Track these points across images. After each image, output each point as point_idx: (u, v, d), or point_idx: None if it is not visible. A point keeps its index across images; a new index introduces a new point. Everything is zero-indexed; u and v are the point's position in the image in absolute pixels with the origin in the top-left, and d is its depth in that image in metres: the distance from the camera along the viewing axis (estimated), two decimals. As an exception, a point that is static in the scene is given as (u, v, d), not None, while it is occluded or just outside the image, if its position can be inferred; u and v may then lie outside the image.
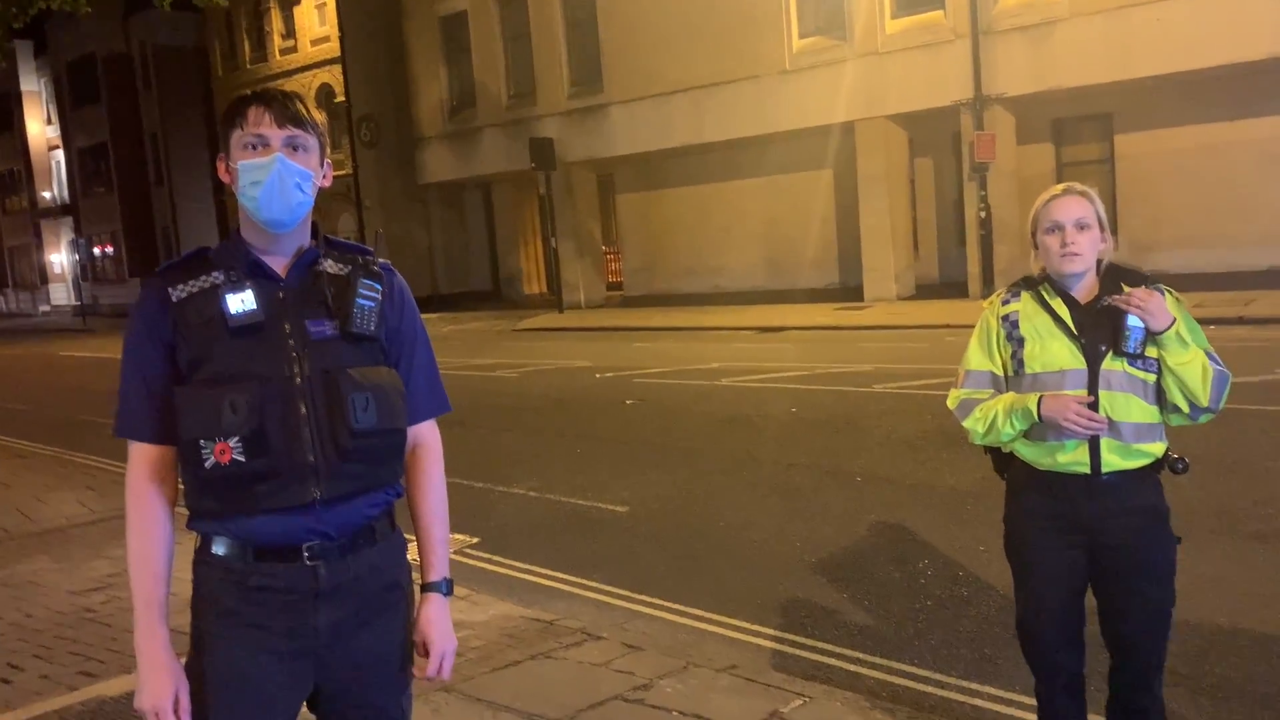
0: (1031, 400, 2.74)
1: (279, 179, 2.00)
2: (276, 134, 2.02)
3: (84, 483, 8.88)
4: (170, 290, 2.03)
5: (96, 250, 46.15)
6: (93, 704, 4.18)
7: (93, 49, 43.41)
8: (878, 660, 4.43)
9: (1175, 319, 2.69)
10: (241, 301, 2.00)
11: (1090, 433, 2.69)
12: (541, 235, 28.15)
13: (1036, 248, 2.85)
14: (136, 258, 43.01)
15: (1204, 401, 2.72)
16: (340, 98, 30.13)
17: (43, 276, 52.53)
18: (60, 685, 4.41)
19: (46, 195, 50.86)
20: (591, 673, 4.29)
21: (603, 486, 7.73)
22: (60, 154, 48.83)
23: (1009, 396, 2.82)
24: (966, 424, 2.89)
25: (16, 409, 15.12)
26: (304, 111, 2.06)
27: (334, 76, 30.67)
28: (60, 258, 51.17)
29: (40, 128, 50.59)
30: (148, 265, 41.84)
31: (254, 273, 2.06)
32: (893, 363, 12.59)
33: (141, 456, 2.06)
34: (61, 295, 50.43)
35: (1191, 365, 2.69)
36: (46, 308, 51.40)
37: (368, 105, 30.05)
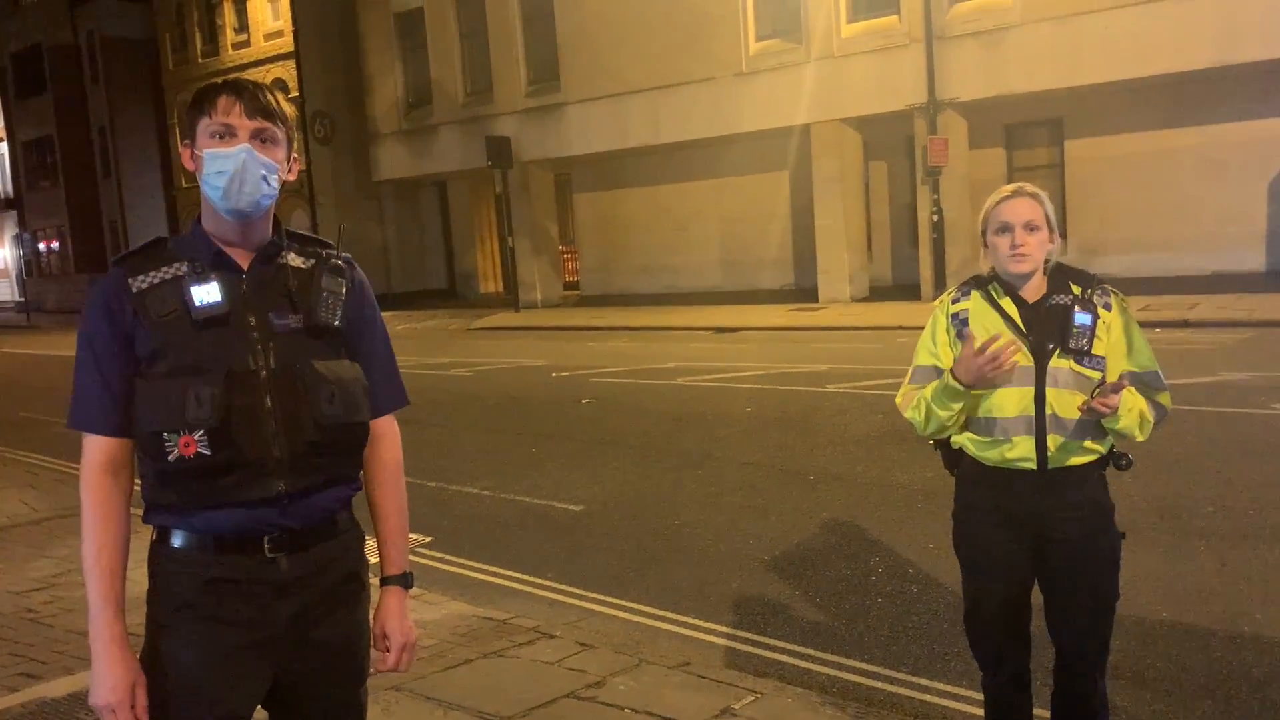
0: (946, 376, 2.77)
1: (244, 170, 1.98)
2: (245, 125, 2.00)
3: (26, 481, 8.69)
4: (130, 280, 2.00)
5: (42, 245, 45.15)
6: (33, 705, 4.10)
7: (39, 39, 42.45)
8: (828, 656, 4.47)
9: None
10: (207, 293, 1.99)
11: (1012, 361, 2.66)
12: (498, 233, 28.02)
13: (986, 246, 2.89)
14: (83, 253, 42.12)
15: (1139, 439, 2.79)
16: (294, 93, 29.76)
17: (-15, 271, 51.36)
18: (0, 687, 4.32)
19: (-12, 188, 49.73)
20: (544, 671, 4.28)
21: (557, 485, 7.72)
22: (4, 146, 47.66)
23: (932, 384, 2.86)
24: (907, 415, 2.94)
25: (-44, 406, 14.75)
26: (274, 104, 2.04)
27: (287, 71, 30.28)
28: (3, 252, 49.98)
29: (-17, 119, 49.38)
30: (95, 261, 40.96)
31: (217, 264, 2.04)
32: (846, 363, 12.70)
33: (97, 449, 2.02)
34: (4, 291, 49.28)
35: (1128, 418, 2.72)
36: (-11, 303, 50.25)
37: (322, 101, 29.74)
